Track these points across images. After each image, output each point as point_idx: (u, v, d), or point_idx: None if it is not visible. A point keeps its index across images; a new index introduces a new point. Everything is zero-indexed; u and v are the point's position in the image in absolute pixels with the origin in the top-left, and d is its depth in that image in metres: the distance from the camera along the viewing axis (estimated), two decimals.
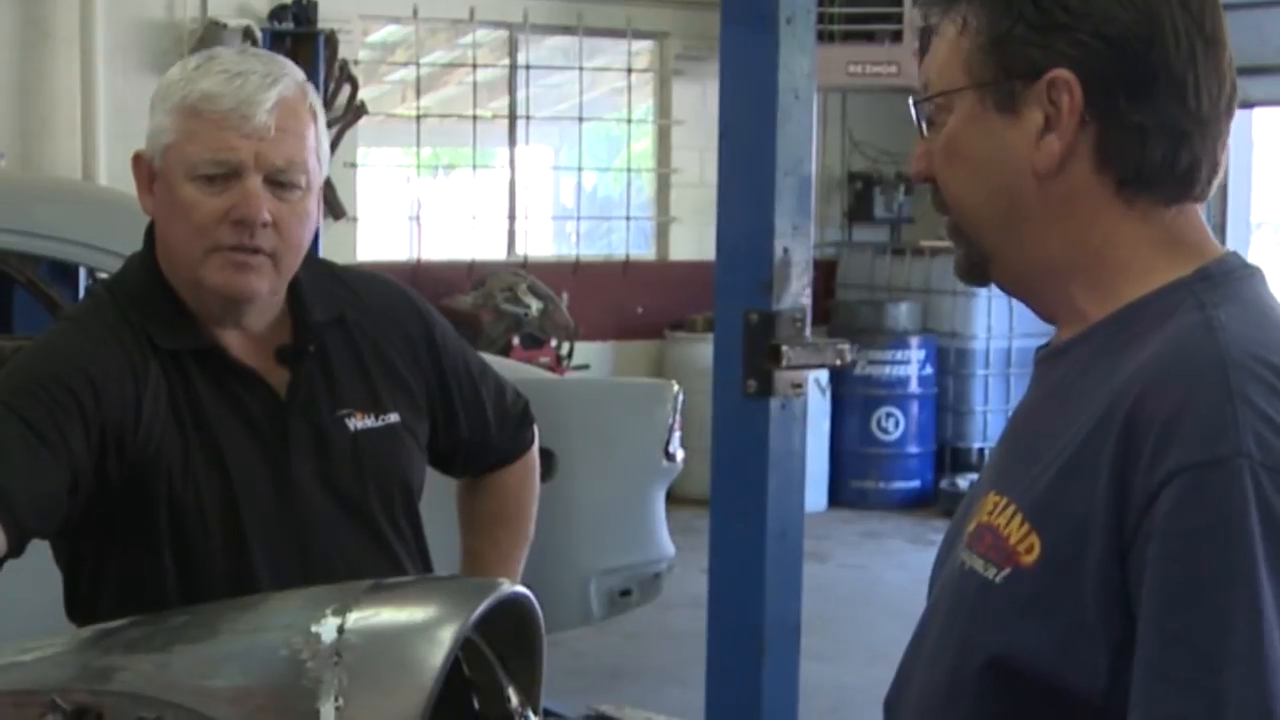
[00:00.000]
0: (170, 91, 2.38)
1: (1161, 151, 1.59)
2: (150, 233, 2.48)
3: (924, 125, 1.69)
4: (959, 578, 1.61)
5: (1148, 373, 1.51)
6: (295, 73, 2.42)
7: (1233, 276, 1.61)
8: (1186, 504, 1.43)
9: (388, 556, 2.51)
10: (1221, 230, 10.95)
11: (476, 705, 2.13)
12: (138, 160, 2.44)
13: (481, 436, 2.70)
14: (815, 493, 10.09)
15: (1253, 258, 1.75)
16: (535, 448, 2.84)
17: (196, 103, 2.35)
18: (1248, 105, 11.18)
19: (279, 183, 2.36)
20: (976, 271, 1.69)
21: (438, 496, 2.75)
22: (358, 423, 2.48)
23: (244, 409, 2.42)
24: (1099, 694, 1.48)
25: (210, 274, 2.37)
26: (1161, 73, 1.57)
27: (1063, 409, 1.59)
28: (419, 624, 1.96)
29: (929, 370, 11.07)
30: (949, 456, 11.18)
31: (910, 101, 1.71)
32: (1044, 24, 1.58)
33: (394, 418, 2.52)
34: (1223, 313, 1.54)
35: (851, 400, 10.97)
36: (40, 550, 2.39)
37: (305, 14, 9.50)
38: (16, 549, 2.20)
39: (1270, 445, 1.43)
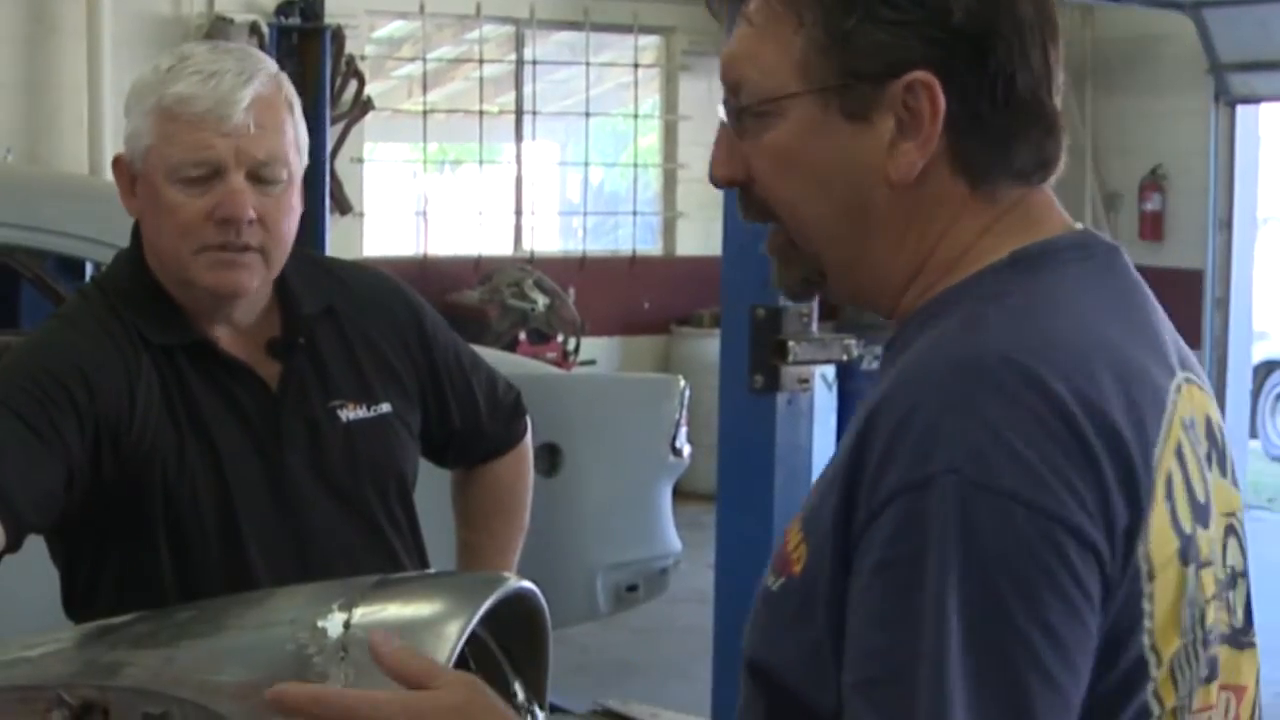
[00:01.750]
0: (145, 94, 2.37)
1: (1027, 154, 1.44)
2: (137, 230, 2.48)
3: (734, 126, 1.48)
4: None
5: (892, 379, 1.37)
6: (269, 65, 2.42)
7: (1047, 258, 1.43)
8: (899, 529, 1.29)
9: (383, 547, 2.51)
10: (1228, 225, 10.90)
11: None
12: (118, 163, 2.43)
13: (474, 426, 2.70)
14: None
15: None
16: (529, 439, 2.83)
17: (172, 105, 2.34)
18: (1254, 100, 11.15)
19: (261, 178, 2.36)
20: (810, 289, 1.53)
21: (434, 491, 2.75)
22: (350, 414, 2.48)
23: (236, 402, 2.42)
24: (835, 715, 1.34)
25: (200, 274, 2.37)
26: (1020, 69, 1.41)
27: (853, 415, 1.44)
28: (425, 619, 1.97)
29: None
30: None
31: (721, 105, 1.48)
32: (895, 20, 1.39)
33: (386, 408, 2.52)
34: (995, 307, 1.38)
35: (857, 396, 10.96)
36: (45, 546, 2.40)
37: (312, 9, 9.47)
38: (14, 544, 2.20)
39: (988, 459, 1.28)
